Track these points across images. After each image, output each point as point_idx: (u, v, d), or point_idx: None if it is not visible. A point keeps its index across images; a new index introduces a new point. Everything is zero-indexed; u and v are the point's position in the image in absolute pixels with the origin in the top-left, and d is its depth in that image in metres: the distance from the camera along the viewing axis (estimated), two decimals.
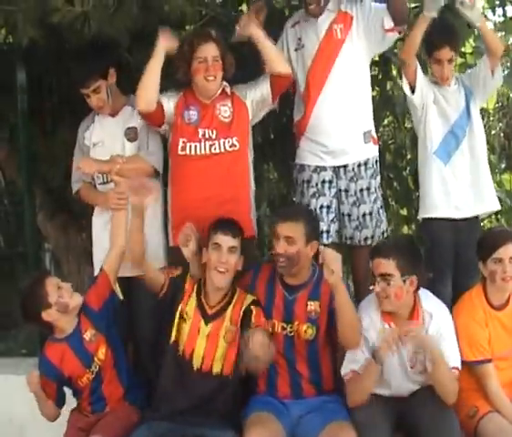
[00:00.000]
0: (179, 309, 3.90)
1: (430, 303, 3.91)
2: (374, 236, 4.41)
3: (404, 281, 3.78)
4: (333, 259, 3.65)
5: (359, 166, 4.41)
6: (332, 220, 4.39)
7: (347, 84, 4.38)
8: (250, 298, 3.93)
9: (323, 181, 4.39)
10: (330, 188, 4.38)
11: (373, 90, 5.39)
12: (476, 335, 3.93)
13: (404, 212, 6.04)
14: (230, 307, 3.91)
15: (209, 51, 4.15)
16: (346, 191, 4.40)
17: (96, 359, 3.88)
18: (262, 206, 5.09)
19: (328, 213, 4.37)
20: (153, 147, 4.28)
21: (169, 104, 4.23)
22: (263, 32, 4.20)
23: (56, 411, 3.97)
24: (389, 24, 4.33)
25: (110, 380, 3.94)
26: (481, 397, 3.92)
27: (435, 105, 4.50)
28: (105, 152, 4.24)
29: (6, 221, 5.76)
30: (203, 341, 3.86)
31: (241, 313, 3.88)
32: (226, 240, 3.85)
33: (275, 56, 4.22)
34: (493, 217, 5.72)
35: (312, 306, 3.90)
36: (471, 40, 5.42)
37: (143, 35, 4.40)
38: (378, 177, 4.52)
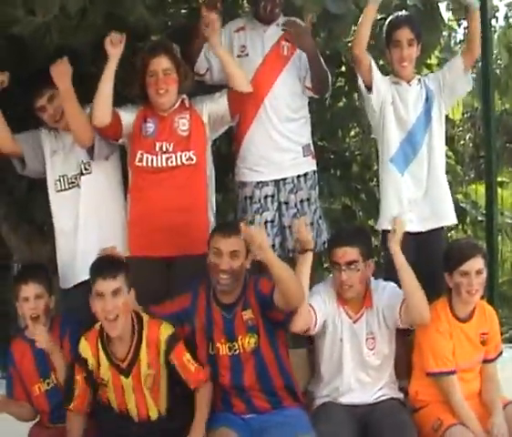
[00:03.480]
0: (96, 379, 3.70)
1: (379, 285, 4.03)
2: (316, 246, 4.37)
3: (365, 266, 3.91)
4: (257, 235, 3.61)
5: (298, 177, 4.44)
6: (275, 234, 4.41)
7: (287, 99, 4.41)
8: (164, 331, 3.70)
9: (266, 196, 4.41)
10: (272, 202, 4.40)
11: (339, 101, 5.46)
12: (441, 346, 3.94)
13: (371, 223, 6.05)
14: (143, 349, 3.68)
15: (160, 64, 4.11)
16: (286, 203, 4.43)
17: (53, 374, 3.85)
18: (229, 215, 5.06)
19: (272, 227, 4.39)
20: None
21: (129, 118, 4.20)
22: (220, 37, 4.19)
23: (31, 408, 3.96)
24: (308, 83, 4.43)
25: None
26: (445, 409, 3.92)
27: (392, 108, 4.35)
28: (61, 159, 4.29)
29: None
30: (131, 395, 3.69)
31: (162, 361, 3.68)
32: (107, 286, 3.58)
33: (238, 73, 4.20)
34: (459, 227, 5.73)
35: (247, 315, 3.83)
36: (436, 52, 5.43)
37: None
38: (317, 189, 4.55)
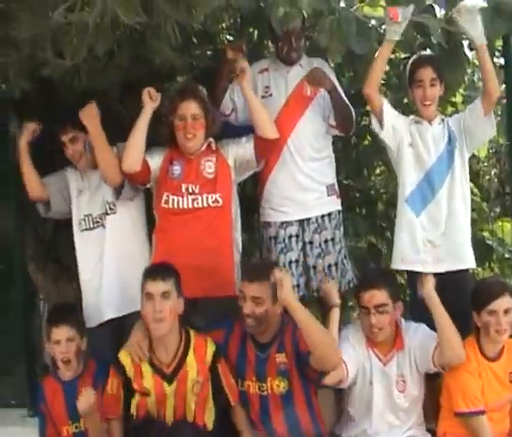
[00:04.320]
0: (136, 388, 3.79)
1: (410, 326, 4.01)
2: (341, 286, 4.41)
3: (394, 308, 3.90)
4: (282, 277, 3.66)
5: (322, 217, 4.44)
6: (300, 274, 4.40)
7: (311, 139, 4.43)
8: (210, 345, 3.84)
9: (290, 236, 4.41)
10: (297, 241, 4.39)
11: (364, 140, 5.45)
12: (470, 386, 3.91)
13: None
14: (190, 357, 3.81)
15: (189, 109, 4.17)
16: (311, 243, 4.43)
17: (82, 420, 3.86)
18: (254, 254, 5.06)
19: (297, 267, 4.39)
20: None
21: (156, 162, 4.25)
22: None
23: None
24: (333, 121, 4.45)
25: None
26: None
27: (411, 148, 4.30)
28: (86, 199, 4.36)
29: None
30: (171, 400, 3.77)
31: (207, 367, 3.80)
32: (157, 288, 3.74)
33: (265, 119, 4.24)
34: (486, 265, 5.68)
35: (280, 358, 3.86)
36: (461, 89, 5.42)
37: (134, 86, 4.43)
38: (341, 228, 4.54)
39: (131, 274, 4.23)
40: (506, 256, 5.76)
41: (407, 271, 4.37)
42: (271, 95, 4.48)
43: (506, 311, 3.90)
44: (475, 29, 4.04)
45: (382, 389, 3.95)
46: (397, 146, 4.33)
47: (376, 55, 4.19)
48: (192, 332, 3.86)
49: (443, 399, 4.00)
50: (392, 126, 4.29)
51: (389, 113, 4.28)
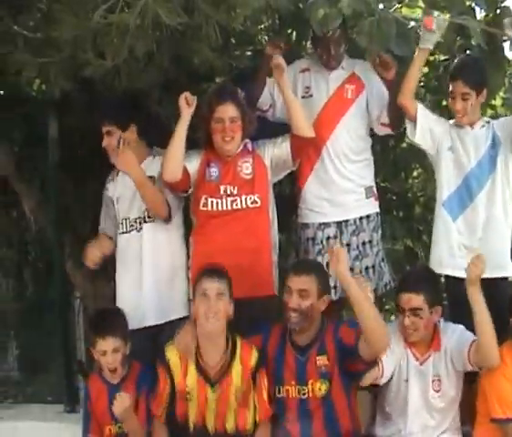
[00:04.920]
0: (178, 388, 3.79)
1: (449, 327, 3.98)
2: (378, 289, 4.39)
3: (431, 313, 3.88)
4: (339, 251, 3.70)
5: (361, 219, 4.42)
6: None
7: (350, 142, 4.41)
8: (255, 353, 3.82)
9: (328, 237, 4.39)
10: (335, 243, 4.31)
11: (402, 142, 5.42)
12: (506, 392, 3.86)
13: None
14: (236, 364, 3.80)
15: (227, 112, 4.15)
16: (348, 245, 4.39)
17: None
18: (291, 255, 5.06)
19: None
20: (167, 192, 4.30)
21: (194, 166, 4.25)
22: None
23: None
24: (384, 119, 4.42)
25: None
26: None
27: (451, 152, 4.26)
28: (126, 205, 4.34)
29: (36, 269, 5.82)
30: (213, 406, 3.77)
31: (251, 374, 3.80)
32: (213, 286, 3.76)
33: (301, 117, 4.22)
34: None
35: (321, 360, 3.84)
36: (501, 92, 5.37)
37: (173, 86, 4.47)
38: (379, 231, 4.52)
39: (169, 283, 4.27)
40: None
41: (445, 276, 4.32)
42: (311, 95, 4.47)
43: None
44: None
45: (417, 387, 3.93)
46: (436, 149, 4.30)
47: (410, 67, 4.18)
48: (238, 339, 3.85)
49: (479, 403, 3.96)
50: (429, 129, 4.26)
51: (424, 118, 4.26)
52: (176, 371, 3.79)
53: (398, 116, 4.36)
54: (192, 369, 3.79)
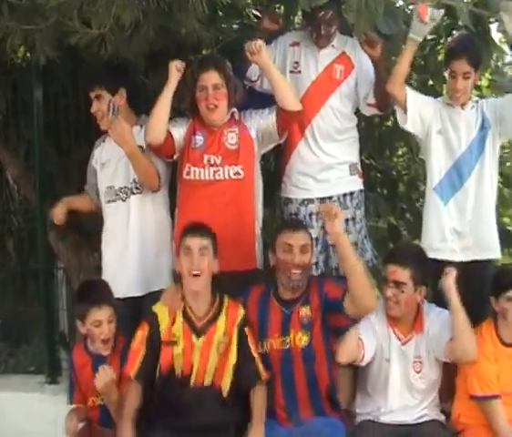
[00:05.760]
0: (164, 338, 3.81)
1: (432, 311, 3.99)
2: None
3: (415, 290, 3.89)
4: (337, 210, 3.75)
5: (344, 196, 4.43)
6: (320, 252, 4.39)
7: (335, 122, 4.41)
8: (241, 311, 3.86)
9: (311, 213, 4.40)
10: (317, 219, 4.35)
11: (387, 121, 5.44)
12: (485, 370, 3.90)
13: (416, 243, 6.01)
14: (222, 316, 3.84)
15: (210, 79, 4.14)
16: None
17: None
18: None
19: (316, 245, 4.35)
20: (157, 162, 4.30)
21: (180, 132, 4.24)
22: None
23: None
24: (371, 100, 4.40)
25: None
26: (488, 433, 3.88)
27: (440, 135, 4.28)
28: (110, 172, 4.33)
29: (19, 238, 5.80)
30: (197, 357, 3.79)
31: (235, 331, 3.82)
32: (196, 242, 3.79)
33: (286, 92, 4.20)
34: (505, 251, 5.66)
35: (304, 311, 3.90)
36: (487, 74, 5.39)
37: (160, 58, 4.45)
38: (363, 208, 4.53)
39: (155, 255, 4.28)
40: None
41: (433, 259, 4.30)
42: (299, 71, 4.45)
43: None
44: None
45: (399, 368, 3.95)
46: (425, 133, 4.31)
47: (400, 57, 4.19)
48: (226, 297, 3.89)
49: (459, 381, 4.00)
50: (418, 114, 4.27)
51: (414, 105, 4.25)
52: (164, 321, 3.82)
53: (385, 96, 4.35)
54: (179, 319, 3.82)
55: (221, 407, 3.79)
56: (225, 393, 3.79)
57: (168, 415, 3.75)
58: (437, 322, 3.93)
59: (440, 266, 4.16)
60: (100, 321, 3.87)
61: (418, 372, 3.95)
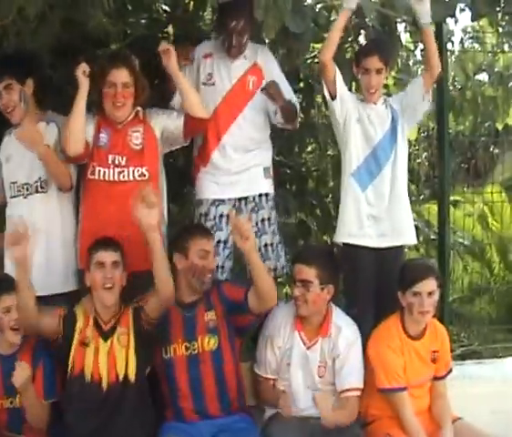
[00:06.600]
0: (79, 338, 3.80)
1: (340, 318, 4.05)
2: (277, 268, 4.44)
3: (322, 289, 3.93)
4: (246, 227, 3.73)
5: (260, 196, 4.43)
6: (227, 256, 4.36)
7: (250, 131, 4.40)
8: (132, 306, 3.88)
9: (221, 215, 4.36)
10: (227, 222, 4.28)
11: None
12: (392, 363, 3.97)
13: (325, 238, 6.08)
14: (122, 319, 3.86)
15: (120, 77, 4.08)
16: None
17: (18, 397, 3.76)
18: None
19: (224, 248, 4.33)
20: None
21: (90, 133, 4.14)
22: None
23: None
24: (280, 119, 4.40)
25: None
26: (395, 425, 3.96)
27: (358, 124, 4.35)
28: (13, 167, 4.21)
29: None
30: (104, 359, 3.77)
31: (131, 314, 3.84)
32: (108, 256, 3.80)
33: (194, 100, 4.18)
34: (412, 246, 5.78)
35: (209, 316, 3.92)
36: (393, 72, 5.49)
37: (67, 51, 4.35)
38: (275, 212, 4.54)
39: (59, 255, 4.17)
40: (432, 237, 5.88)
41: (347, 245, 4.37)
42: (213, 84, 4.40)
43: (430, 294, 3.96)
44: (421, 5, 4.12)
45: (302, 372, 3.99)
46: (344, 120, 4.35)
47: (334, 24, 4.23)
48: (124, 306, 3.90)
49: (366, 375, 4.04)
50: (341, 96, 4.31)
51: (342, 84, 4.31)
52: (80, 321, 3.82)
53: (290, 119, 4.41)
54: (91, 323, 3.83)
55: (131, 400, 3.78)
56: (133, 381, 3.77)
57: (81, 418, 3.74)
58: (346, 353, 3.97)
59: (356, 251, 4.27)
60: (9, 308, 3.77)
61: (321, 377, 3.99)
